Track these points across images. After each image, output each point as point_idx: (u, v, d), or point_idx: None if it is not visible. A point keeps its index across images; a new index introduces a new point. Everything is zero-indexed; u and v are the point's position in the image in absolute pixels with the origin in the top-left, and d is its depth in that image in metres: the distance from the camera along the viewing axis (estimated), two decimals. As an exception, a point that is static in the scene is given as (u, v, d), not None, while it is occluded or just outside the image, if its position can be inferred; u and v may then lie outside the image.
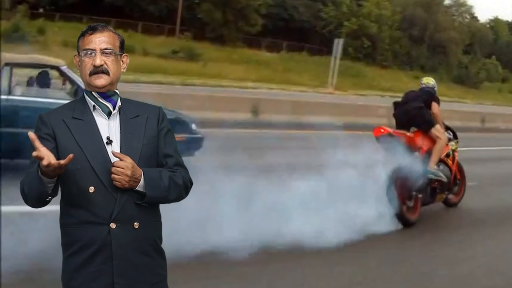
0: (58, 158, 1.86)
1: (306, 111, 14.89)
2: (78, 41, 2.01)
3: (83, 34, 2.00)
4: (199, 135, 7.53)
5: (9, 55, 6.63)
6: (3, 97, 6.27)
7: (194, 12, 41.79)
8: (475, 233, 6.40)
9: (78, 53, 2.01)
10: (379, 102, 22.31)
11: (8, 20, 27.59)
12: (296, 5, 47.60)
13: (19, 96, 6.52)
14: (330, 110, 15.73)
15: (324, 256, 4.95)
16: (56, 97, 6.78)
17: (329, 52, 35.20)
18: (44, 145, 1.87)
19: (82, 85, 6.79)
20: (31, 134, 1.82)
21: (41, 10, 37.07)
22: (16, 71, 6.87)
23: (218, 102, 14.53)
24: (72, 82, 6.83)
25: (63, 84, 7.18)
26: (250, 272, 4.47)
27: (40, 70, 7.07)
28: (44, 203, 1.93)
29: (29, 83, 7.14)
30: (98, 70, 1.95)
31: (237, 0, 41.22)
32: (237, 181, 5.26)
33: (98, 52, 1.95)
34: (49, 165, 1.76)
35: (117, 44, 2.01)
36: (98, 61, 1.95)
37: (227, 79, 28.84)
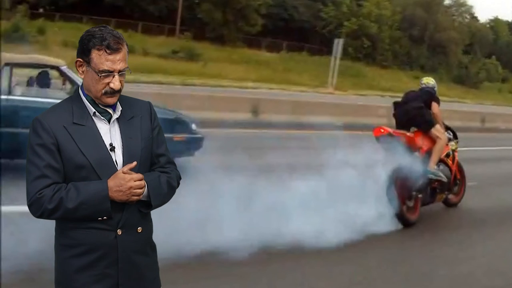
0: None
1: (306, 111, 14.89)
2: (89, 49, 1.91)
3: (98, 49, 1.90)
4: (199, 135, 7.53)
5: (9, 55, 6.63)
6: (3, 97, 6.27)
7: (194, 12, 41.78)
8: (475, 233, 6.40)
9: (84, 60, 1.93)
10: (379, 102, 22.31)
11: (8, 20, 27.57)
12: (296, 5, 47.59)
13: (19, 96, 6.51)
14: (330, 110, 15.73)
15: (324, 256, 4.95)
16: (56, 97, 6.76)
17: (329, 52, 35.18)
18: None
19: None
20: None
21: (41, 10, 37.06)
22: (16, 71, 6.85)
23: (218, 102, 14.52)
24: (72, 82, 6.83)
25: (63, 84, 7.17)
26: (250, 272, 4.46)
27: (40, 70, 7.06)
28: (72, 219, 1.92)
29: (29, 83, 7.13)
30: (114, 92, 1.94)
31: (237, 0, 41.20)
32: (237, 181, 5.26)
33: (117, 75, 1.93)
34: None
35: (127, 57, 1.98)
36: (117, 85, 1.93)
37: (227, 79, 28.82)
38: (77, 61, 1.96)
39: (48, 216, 1.91)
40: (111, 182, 1.88)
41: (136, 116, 2.04)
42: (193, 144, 7.28)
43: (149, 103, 2.12)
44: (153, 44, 34.79)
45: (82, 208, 1.86)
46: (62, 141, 1.90)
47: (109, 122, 1.98)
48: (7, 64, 6.39)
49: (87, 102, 1.97)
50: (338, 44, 29.96)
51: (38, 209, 1.89)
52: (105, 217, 1.90)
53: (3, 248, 3.82)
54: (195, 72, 28.99)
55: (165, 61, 30.11)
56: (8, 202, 4.68)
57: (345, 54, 37.44)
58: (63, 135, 1.91)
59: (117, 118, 2.00)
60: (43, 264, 3.84)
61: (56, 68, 6.90)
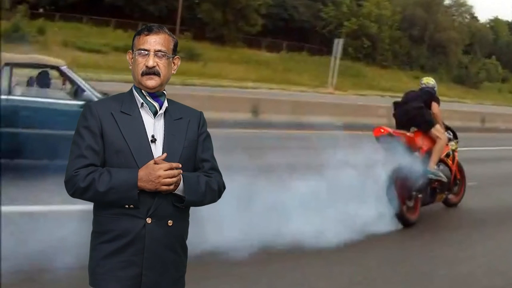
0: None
1: (306, 111, 14.88)
2: (133, 39, 2.08)
3: (139, 33, 2.06)
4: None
5: (9, 55, 6.62)
6: (3, 97, 6.26)
7: (194, 12, 41.77)
8: (475, 233, 6.40)
9: (132, 50, 2.07)
10: (379, 102, 22.30)
11: (8, 20, 27.56)
12: (296, 5, 47.57)
13: (19, 96, 6.51)
14: (330, 110, 15.73)
15: (324, 256, 4.94)
16: (56, 97, 6.78)
17: (329, 52, 35.20)
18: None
19: (82, 85, 6.89)
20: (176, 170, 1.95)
21: (41, 10, 37.04)
22: (16, 71, 6.85)
23: (218, 102, 14.51)
24: (72, 82, 6.83)
25: (63, 84, 7.17)
26: (250, 272, 4.46)
27: (40, 70, 7.06)
28: (102, 202, 1.98)
29: (29, 83, 7.13)
30: (150, 71, 2.02)
31: (237, 0, 41.20)
32: (237, 181, 5.25)
33: (152, 54, 2.02)
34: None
35: (171, 46, 2.08)
36: (151, 63, 2.01)
37: (227, 79, 28.83)
38: (128, 53, 2.10)
39: (80, 195, 1.96)
40: (142, 172, 1.93)
41: (184, 118, 2.11)
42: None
43: (201, 112, 2.20)
44: (153, 44, 34.73)
45: (111, 193, 1.92)
46: (106, 127, 1.99)
47: (154, 116, 2.05)
48: (7, 64, 6.39)
49: (136, 94, 2.07)
50: (338, 44, 29.99)
51: (72, 187, 1.96)
52: (131, 205, 1.94)
53: (3, 248, 3.82)
54: (195, 72, 28.96)
55: (165, 61, 30.06)
56: (8, 202, 4.68)
57: (345, 54, 37.45)
58: (109, 121, 2.00)
59: (164, 116, 2.07)
60: (43, 264, 3.85)
61: (56, 68, 6.90)
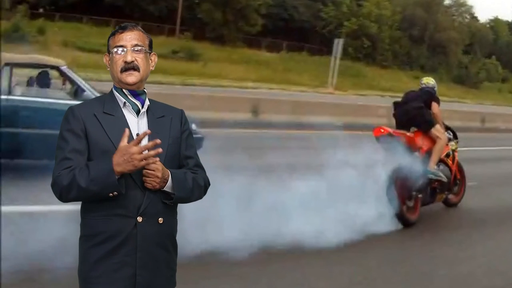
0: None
1: (306, 111, 14.89)
2: (108, 40, 2.08)
3: (113, 34, 2.06)
4: (199, 135, 7.52)
5: (9, 55, 6.62)
6: (3, 97, 6.26)
7: (194, 12, 41.79)
8: (475, 233, 6.40)
9: (108, 52, 2.07)
10: (379, 102, 22.31)
11: (8, 20, 27.58)
12: (296, 5, 47.59)
13: (19, 96, 6.51)
14: (330, 110, 15.73)
15: (324, 256, 4.95)
16: (56, 97, 6.78)
17: (329, 52, 35.20)
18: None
19: (82, 85, 6.88)
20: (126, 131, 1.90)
21: (41, 10, 37.07)
22: (16, 71, 6.86)
23: (218, 102, 14.52)
24: (72, 82, 6.83)
25: (63, 84, 7.18)
26: (250, 272, 4.46)
27: (40, 70, 7.07)
28: (88, 198, 1.96)
29: (29, 83, 7.13)
30: (129, 67, 2.01)
31: (237, 0, 41.22)
32: (237, 181, 5.25)
33: (129, 49, 2.02)
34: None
35: (146, 42, 2.08)
36: (129, 57, 2.01)
37: (227, 79, 28.85)
38: (104, 56, 2.10)
39: (66, 195, 1.94)
40: (115, 156, 1.89)
41: (166, 116, 2.11)
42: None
43: (181, 110, 2.20)
44: (153, 44, 34.70)
45: (92, 185, 1.89)
46: (90, 128, 1.98)
47: (137, 115, 2.05)
48: (7, 64, 6.39)
49: (117, 94, 2.06)
50: (338, 44, 29.99)
51: (57, 189, 1.95)
52: (115, 193, 1.90)
53: (3, 248, 3.82)
54: (195, 72, 29.00)
55: (165, 61, 30.04)
56: (8, 202, 4.68)
57: (345, 54, 37.46)
58: (92, 122, 1.99)
59: (147, 114, 2.07)
60: (43, 264, 3.85)
61: (56, 68, 6.90)
